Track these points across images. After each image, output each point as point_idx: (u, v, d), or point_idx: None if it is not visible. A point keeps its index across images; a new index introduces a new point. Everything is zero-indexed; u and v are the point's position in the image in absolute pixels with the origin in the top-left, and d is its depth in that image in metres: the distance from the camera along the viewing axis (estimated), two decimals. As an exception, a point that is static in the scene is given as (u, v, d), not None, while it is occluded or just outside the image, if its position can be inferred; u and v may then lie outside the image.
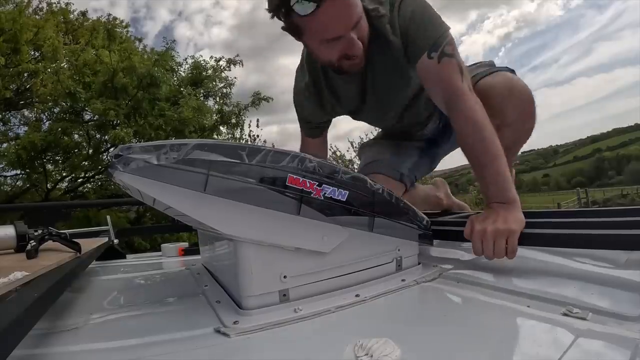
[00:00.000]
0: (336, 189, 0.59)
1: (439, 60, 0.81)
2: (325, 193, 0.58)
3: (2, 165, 7.37)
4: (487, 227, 0.70)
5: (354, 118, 1.15)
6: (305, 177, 0.57)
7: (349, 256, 0.65)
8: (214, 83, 8.08)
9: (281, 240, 0.57)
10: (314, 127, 1.14)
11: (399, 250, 0.73)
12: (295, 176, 0.56)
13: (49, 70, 7.04)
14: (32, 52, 7.23)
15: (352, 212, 0.62)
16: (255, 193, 0.54)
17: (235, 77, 8.33)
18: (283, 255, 0.58)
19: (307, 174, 0.57)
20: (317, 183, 0.58)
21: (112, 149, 7.65)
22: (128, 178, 0.48)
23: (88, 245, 0.90)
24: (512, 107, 0.92)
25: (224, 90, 8.15)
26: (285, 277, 0.58)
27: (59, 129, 6.76)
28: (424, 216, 0.78)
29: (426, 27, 0.82)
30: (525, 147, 1.16)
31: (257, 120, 8.83)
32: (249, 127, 8.69)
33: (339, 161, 10.83)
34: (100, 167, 7.53)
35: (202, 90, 7.88)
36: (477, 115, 0.79)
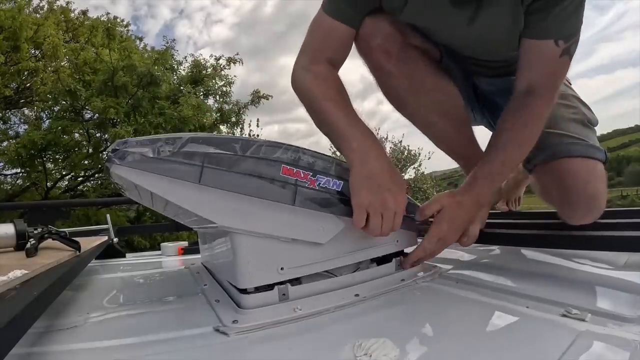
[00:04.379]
0: (330, 179, 0.60)
1: (562, 54, 0.71)
2: (320, 183, 0.59)
3: (2, 164, 7.37)
4: (448, 231, 0.71)
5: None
6: (299, 168, 0.57)
7: (346, 247, 0.65)
8: (214, 81, 8.08)
9: (277, 230, 0.57)
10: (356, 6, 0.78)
11: (397, 242, 0.73)
12: (289, 167, 0.56)
13: (49, 68, 7.04)
14: (32, 51, 7.23)
15: (348, 202, 0.62)
16: (249, 184, 0.54)
17: (235, 76, 8.34)
18: (280, 247, 0.58)
19: (300, 164, 0.58)
20: (312, 173, 0.58)
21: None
22: (124, 171, 0.49)
23: (87, 244, 0.90)
24: (576, 211, 0.81)
25: (224, 89, 8.15)
26: (282, 268, 0.58)
27: (59, 127, 6.76)
28: None
29: (576, 11, 0.69)
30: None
31: (257, 120, 8.84)
32: (249, 127, 8.71)
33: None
34: (100, 165, 7.52)
35: (201, 89, 7.88)
36: (541, 125, 0.74)
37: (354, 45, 0.84)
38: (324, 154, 0.61)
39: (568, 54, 0.72)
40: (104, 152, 7.49)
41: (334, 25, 0.78)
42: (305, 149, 0.59)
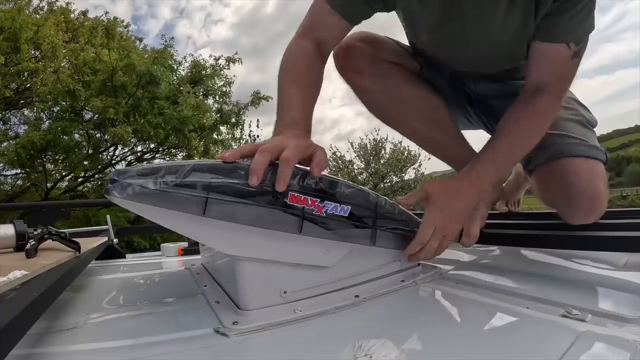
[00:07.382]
0: (338, 204, 0.58)
1: (573, 56, 0.72)
2: (327, 210, 0.57)
3: (1, 165, 7.37)
4: (442, 220, 0.67)
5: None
6: (306, 195, 0.55)
7: (351, 269, 0.65)
8: (213, 81, 8.09)
9: (282, 257, 0.57)
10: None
11: (400, 261, 0.72)
12: (296, 194, 0.54)
13: (49, 69, 7.04)
14: (32, 51, 7.24)
15: (355, 228, 0.61)
16: (256, 213, 0.52)
17: (234, 76, 8.35)
18: (283, 271, 0.57)
19: (308, 191, 0.55)
20: (319, 200, 0.56)
21: (111, 148, 7.69)
22: (125, 204, 0.47)
23: (87, 244, 0.90)
24: (577, 211, 0.81)
25: (224, 89, 8.16)
26: (285, 292, 0.58)
27: (59, 128, 6.76)
28: None
29: (587, 15, 0.70)
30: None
31: (257, 120, 8.86)
32: (249, 127, 8.72)
33: (339, 162, 10.86)
34: (99, 166, 7.54)
35: (201, 89, 7.88)
36: (547, 121, 0.75)
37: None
38: (331, 177, 0.59)
39: (578, 56, 0.73)
40: (104, 153, 7.50)
41: (325, 12, 0.80)
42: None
